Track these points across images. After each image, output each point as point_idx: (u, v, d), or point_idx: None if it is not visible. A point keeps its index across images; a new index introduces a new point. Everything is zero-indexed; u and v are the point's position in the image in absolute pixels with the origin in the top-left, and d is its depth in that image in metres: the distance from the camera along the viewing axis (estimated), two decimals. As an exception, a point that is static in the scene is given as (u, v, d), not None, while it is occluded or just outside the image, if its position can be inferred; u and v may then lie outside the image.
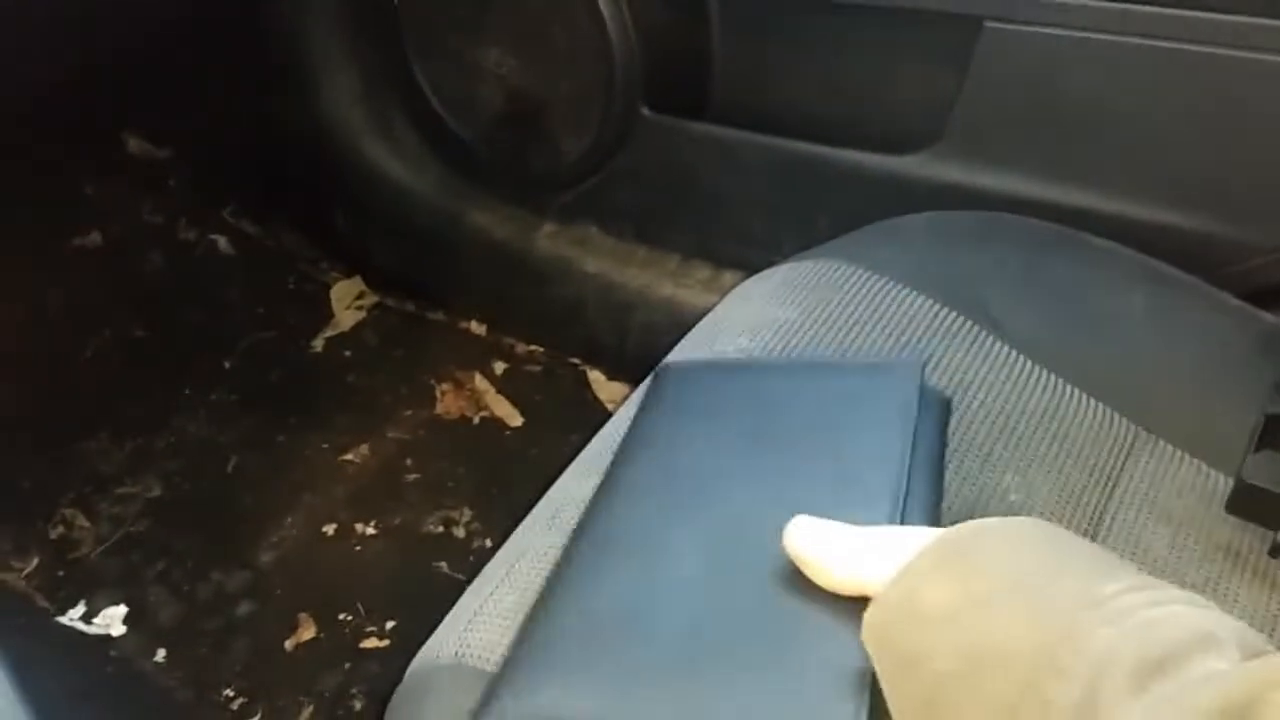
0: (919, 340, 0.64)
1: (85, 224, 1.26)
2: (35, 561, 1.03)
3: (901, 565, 0.39)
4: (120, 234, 1.28)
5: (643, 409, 0.58)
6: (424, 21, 1.06)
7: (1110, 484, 0.59)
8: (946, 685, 0.35)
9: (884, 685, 0.38)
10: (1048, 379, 0.63)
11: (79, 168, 1.27)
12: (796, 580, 0.44)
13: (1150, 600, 0.34)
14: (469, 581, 1.01)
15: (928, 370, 0.61)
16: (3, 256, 1.19)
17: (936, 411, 0.56)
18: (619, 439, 0.62)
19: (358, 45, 1.13)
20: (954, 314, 0.65)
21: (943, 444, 0.56)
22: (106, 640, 0.97)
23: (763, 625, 0.44)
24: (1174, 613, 0.33)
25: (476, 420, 1.19)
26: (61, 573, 1.02)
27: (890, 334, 0.64)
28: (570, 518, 0.57)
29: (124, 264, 1.26)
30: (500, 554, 0.59)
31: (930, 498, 0.51)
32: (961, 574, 0.37)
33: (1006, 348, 0.64)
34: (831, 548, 0.43)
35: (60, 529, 1.05)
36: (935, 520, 0.51)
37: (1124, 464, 0.60)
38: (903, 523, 0.47)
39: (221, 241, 1.31)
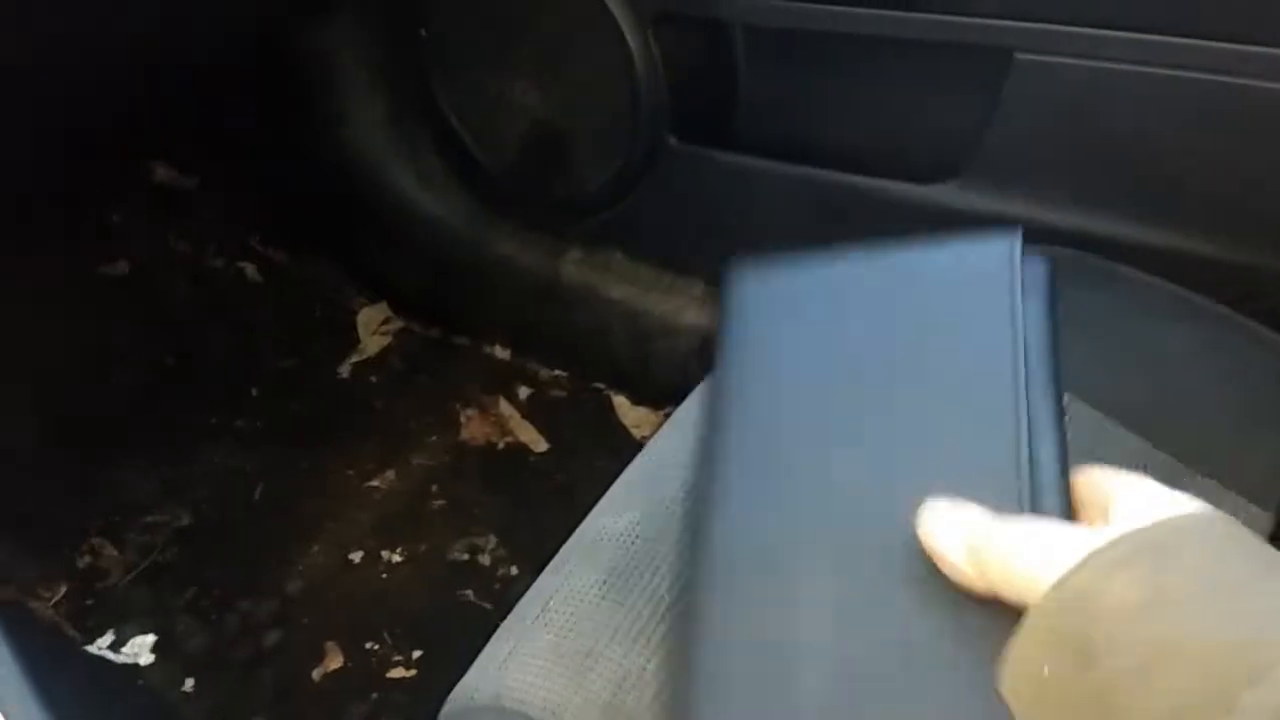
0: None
1: (113, 252, 1.27)
2: (63, 590, 1.03)
3: (1078, 558, 0.35)
4: (148, 262, 1.29)
5: (724, 331, 0.51)
6: (451, 53, 1.07)
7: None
8: (1121, 683, 0.32)
9: (1047, 685, 0.35)
10: (1085, 413, 0.63)
11: (106, 197, 1.29)
12: (934, 584, 0.39)
13: None
14: (495, 610, 1.01)
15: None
16: (31, 285, 1.20)
17: (1043, 287, 0.49)
18: (652, 470, 0.61)
19: (385, 76, 1.14)
20: (988, 346, 0.65)
21: (1055, 325, 0.49)
22: (135, 669, 0.98)
23: (910, 649, 0.39)
24: None
25: (501, 446, 1.19)
26: (90, 601, 1.03)
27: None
28: (605, 554, 0.56)
29: (152, 292, 1.27)
30: (533, 591, 0.59)
31: (1054, 410, 0.45)
32: (1154, 569, 0.34)
33: (1042, 381, 0.64)
34: (977, 543, 0.38)
35: (88, 558, 1.06)
36: (1062, 437, 0.45)
37: (1163, 499, 0.60)
38: (1030, 452, 0.42)
39: (249, 269, 1.32)
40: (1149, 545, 0.35)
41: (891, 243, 0.53)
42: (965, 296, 0.47)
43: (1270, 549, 0.36)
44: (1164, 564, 0.34)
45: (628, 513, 0.59)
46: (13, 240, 1.11)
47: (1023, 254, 0.49)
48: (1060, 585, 0.35)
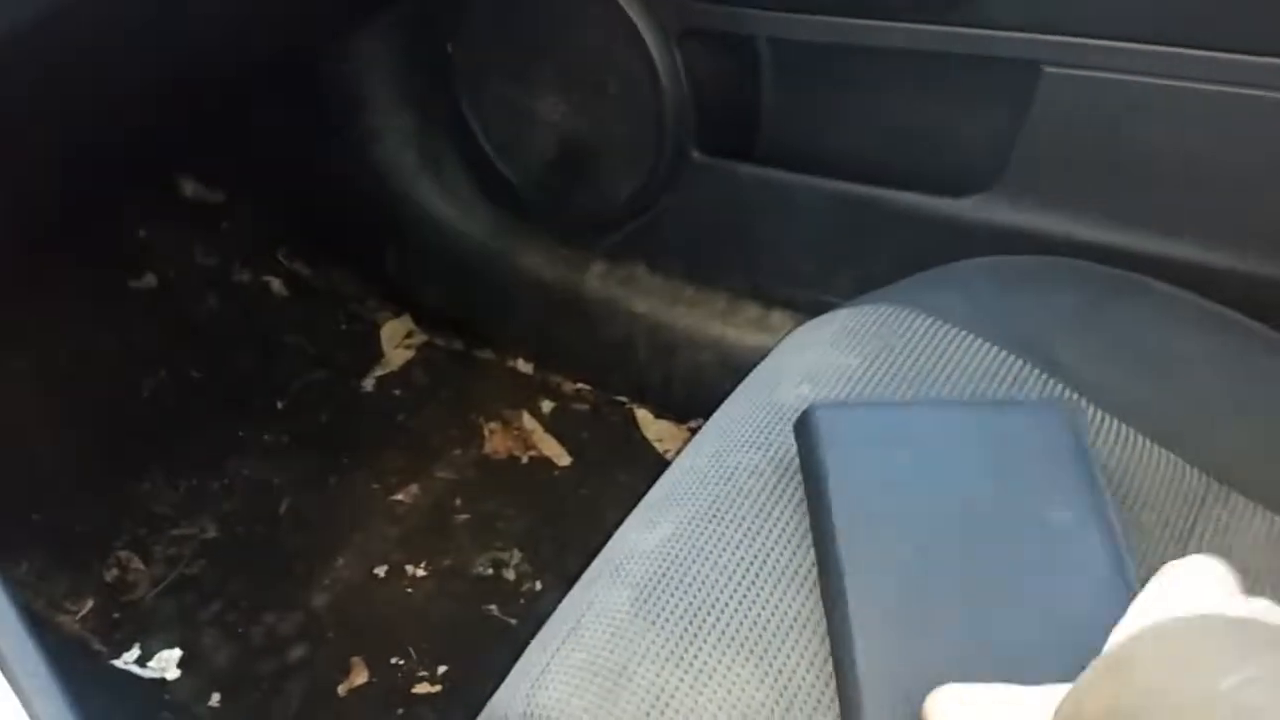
0: (984, 387, 0.63)
1: (140, 266, 1.28)
2: (90, 604, 1.03)
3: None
4: (175, 276, 1.29)
5: (813, 461, 0.55)
6: (477, 68, 1.07)
7: (1183, 538, 0.58)
8: None
9: None
10: (1117, 428, 0.62)
11: (134, 211, 1.30)
12: None
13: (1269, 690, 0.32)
14: (520, 625, 1.01)
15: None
16: (59, 298, 1.21)
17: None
18: (681, 486, 0.61)
19: (412, 91, 1.14)
20: (1019, 361, 0.64)
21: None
22: (161, 684, 0.98)
23: None
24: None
25: (525, 459, 1.19)
26: (116, 615, 1.03)
27: (956, 381, 0.63)
28: (636, 571, 0.56)
29: (178, 306, 1.28)
30: (564, 607, 0.58)
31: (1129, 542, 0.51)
32: (1116, 685, 0.36)
33: (1074, 396, 0.63)
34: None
35: (115, 571, 1.06)
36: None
37: (1196, 517, 0.59)
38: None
39: (275, 283, 1.33)
40: (1113, 661, 0.37)
41: (956, 401, 0.61)
42: (1040, 461, 0.53)
43: (1222, 637, 0.37)
44: (1124, 678, 0.36)
45: (658, 528, 0.58)
46: (43, 255, 1.12)
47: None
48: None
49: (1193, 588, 0.42)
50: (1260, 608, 0.41)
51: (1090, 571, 0.49)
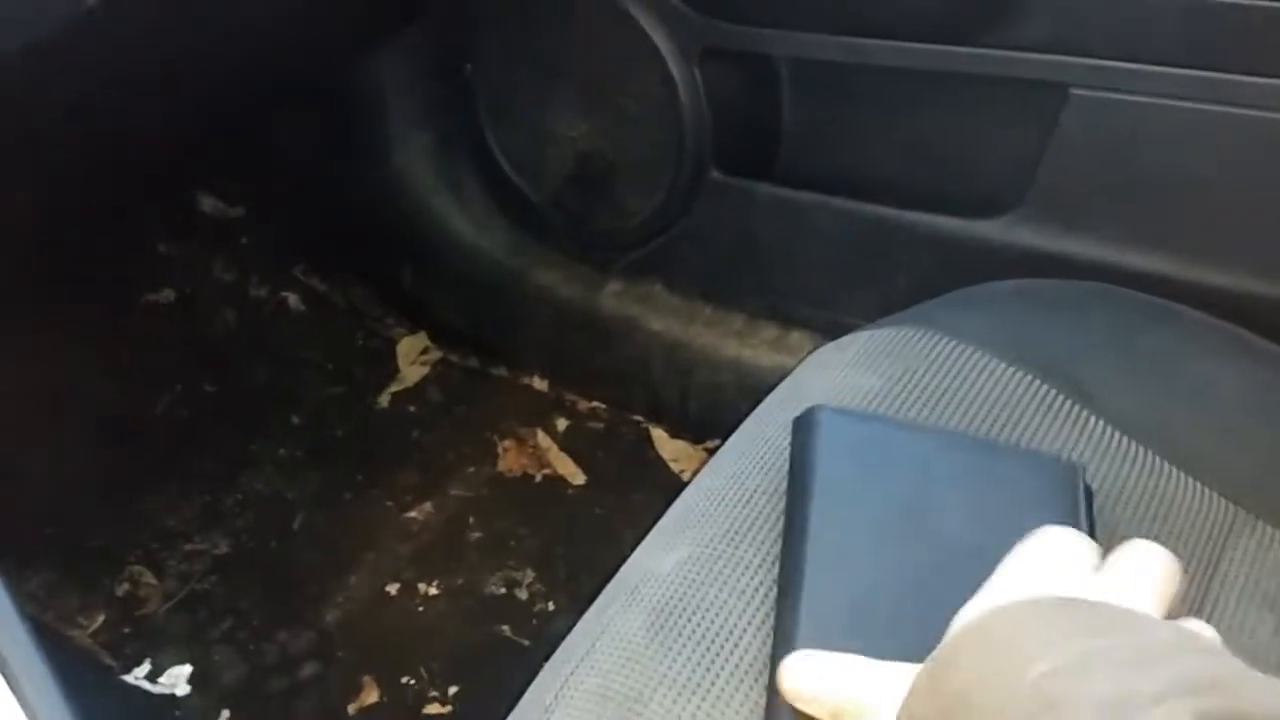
0: (1010, 412, 0.62)
1: (159, 281, 1.28)
2: (101, 619, 1.03)
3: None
4: (193, 291, 1.30)
5: (804, 457, 0.55)
6: (497, 87, 1.07)
7: (1211, 568, 0.57)
8: None
9: None
10: (1145, 456, 0.61)
11: (154, 226, 1.30)
12: None
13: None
14: (532, 646, 1.00)
15: (1023, 442, 0.60)
16: (77, 312, 1.22)
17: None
18: (697, 509, 0.60)
19: (431, 109, 1.15)
20: (1045, 386, 0.63)
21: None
22: (171, 700, 0.97)
23: None
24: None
25: (539, 478, 1.18)
26: (127, 630, 1.03)
27: (979, 406, 0.62)
28: (652, 594, 0.55)
29: (196, 320, 1.28)
30: (578, 630, 0.57)
31: None
32: (935, 687, 0.36)
33: (1101, 423, 0.62)
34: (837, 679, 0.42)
35: (127, 585, 1.06)
36: None
37: (1224, 547, 0.58)
38: None
39: (291, 298, 1.33)
40: (929, 669, 0.37)
41: (964, 435, 0.60)
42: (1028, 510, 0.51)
43: (1044, 636, 0.36)
44: (936, 686, 0.36)
45: (674, 552, 0.57)
46: (63, 269, 1.12)
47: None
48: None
49: (1045, 566, 0.41)
50: (1112, 584, 0.40)
51: None
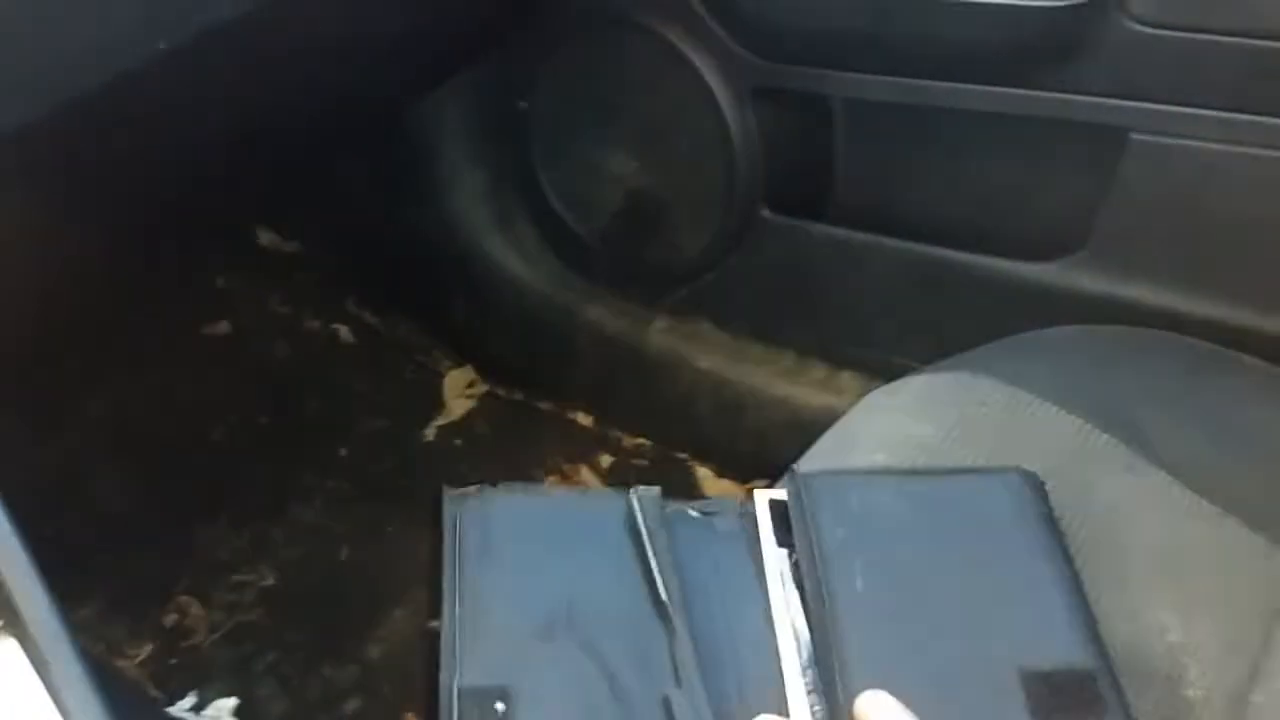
0: (1068, 462, 0.61)
1: (216, 314, 1.30)
2: (149, 649, 1.03)
3: None
4: (248, 324, 1.31)
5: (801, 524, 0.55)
6: (550, 126, 1.08)
7: (1273, 618, 0.56)
8: None
9: None
10: (1206, 509, 0.60)
11: (212, 260, 1.32)
12: None
13: None
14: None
15: (1077, 492, 0.59)
16: (135, 343, 1.24)
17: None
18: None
19: (485, 147, 1.16)
20: (1105, 435, 0.62)
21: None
22: (216, 732, 0.98)
23: None
24: None
25: (583, 515, 1.18)
26: (174, 661, 1.03)
27: (1037, 455, 0.61)
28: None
29: (250, 353, 1.30)
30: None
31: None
32: None
33: (1162, 473, 0.61)
34: None
35: (174, 616, 1.06)
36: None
37: (1287, 598, 0.57)
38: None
39: (343, 331, 1.34)
40: None
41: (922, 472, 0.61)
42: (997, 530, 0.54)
43: None
44: None
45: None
46: (125, 302, 1.14)
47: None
48: None
49: None
50: None
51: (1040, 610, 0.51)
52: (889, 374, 0.92)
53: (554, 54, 1.04)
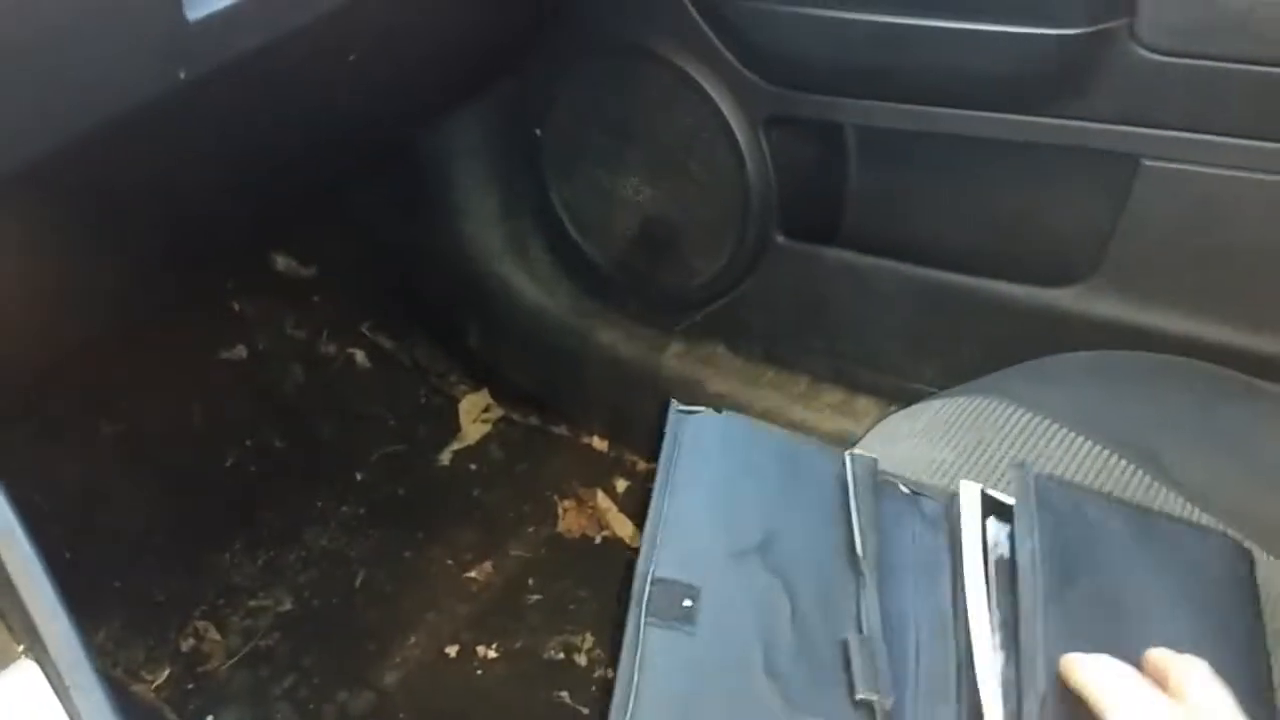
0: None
1: (233, 338, 1.31)
2: (166, 673, 1.04)
3: None
4: (265, 348, 1.32)
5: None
6: (565, 152, 1.09)
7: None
8: None
9: None
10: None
11: (229, 284, 1.33)
12: None
13: None
14: (591, 715, 0.99)
15: None
16: (151, 367, 1.24)
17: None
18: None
19: (500, 173, 1.17)
20: (1123, 461, 0.62)
21: None
22: (232, 757, 0.98)
23: None
24: None
25: (598, 540, 1.18)
26: (190, 685, 1.03)
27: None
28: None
29: (266, 377, 1.30)
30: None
31: None
32: None
33: (1181, 500, 0.61)
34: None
35: (191, 640, 1.07)
36: None
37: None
38: None
39: (359, 355, 1.35)
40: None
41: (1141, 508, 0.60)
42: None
43: None
44: None
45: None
46: (141, 326, 1.15)
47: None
48: None
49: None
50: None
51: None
52: (903, 398, 0.92)
53: (568, 80, 1.04)
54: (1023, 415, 0.65)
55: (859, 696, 0.47)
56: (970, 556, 0.53)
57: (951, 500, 0.56)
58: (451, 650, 1.07)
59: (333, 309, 1.36)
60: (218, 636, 1.07)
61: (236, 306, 1.33)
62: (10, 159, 0.56)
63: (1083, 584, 0.51)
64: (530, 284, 1.21)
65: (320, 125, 0.81)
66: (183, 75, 0.60)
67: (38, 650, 0.44)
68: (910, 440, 0.67)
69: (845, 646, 0.48)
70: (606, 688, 1.02)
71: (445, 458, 1.27)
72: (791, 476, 0.55)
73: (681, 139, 0.99)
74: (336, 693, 1.02)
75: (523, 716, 1.01)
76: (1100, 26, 0.73)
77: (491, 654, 1.06)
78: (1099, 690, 0.45)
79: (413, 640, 1.07)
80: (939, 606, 0.52)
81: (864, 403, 1.04)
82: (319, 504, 1.19)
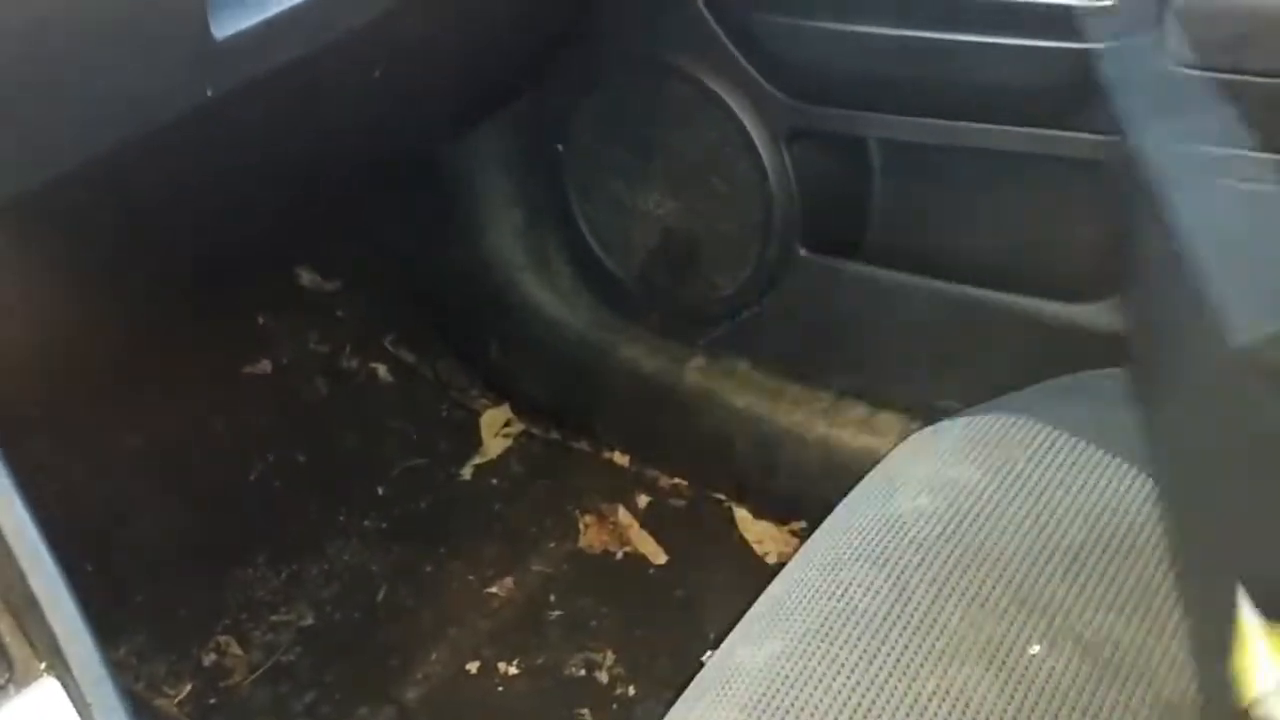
0: (1117, 506, 0.60)
1: (257, 352, 1.32)
2: (188, 688, 1.04)
3: None
4: (288, 362, 1.33)
5: None
6: (587, 166, 1.09)
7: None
8: None
9: None
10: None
11: (255, 299, 1.34)
12: None
13: None
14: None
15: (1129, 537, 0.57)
16: (175, 381, 1.25)
17: None
18: (790, 599, 0.59)
19: (523, 187, 1.17)
20: (1150, 480, 0.61)
21: None
22: (264, 776, 0.97)
23: None
24: None
25: (619, 555, 1.17)
26: (213, 700, 1.03)
27: (1085, 502, 0.60)
28: (743, 691, 0.54)
29: (290, 391, 1.31)
30: (667, 724, 0.56)
31: None
32: None
33: (1213, 519, 0.60)
34: None
35: (214, 655, 1.07)
36: None
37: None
38: None
39: (381, 370, 1.35)
40: None
41: None
42: None
43: None
44: None
45: (766, 645, 0.56)
46: (166, 341, 1.16)
47: None
48: None
49: None
50: None
51: None
52: (928, 415, 0.91)
53: (590, 94, 1.05)
54: (1051, 434, 0.64)
55: None
56: None
57: None
58: (472, 667, 1.06)
59: (356, 323, 1.37)
60: (240, 651, 1.07)
61: (261, 321, 1.34)
62: (38, 175, 0.57)
63: None
64: (552, 298, 1.21)
65: (345, 141, 0.81)
66: (209, 93, 0.60)
67: (59, 668, 0.44)
68: (936, 459, 0.67)
69: None
70: (628, 706, 1.02)
71: (467, 472, 1.27)
72: None
73: (703, 153, 0.99)
74: (358, 708, 1.02)
75: (544, 735, 1.00)
76: (1127, 40, 0.73)
77: (513, 670, 1.06)
78: None
79: (433, 656, 1.07)
80: None
81: (887, 418, 1.04)
82: (341, 518, 1.19)
